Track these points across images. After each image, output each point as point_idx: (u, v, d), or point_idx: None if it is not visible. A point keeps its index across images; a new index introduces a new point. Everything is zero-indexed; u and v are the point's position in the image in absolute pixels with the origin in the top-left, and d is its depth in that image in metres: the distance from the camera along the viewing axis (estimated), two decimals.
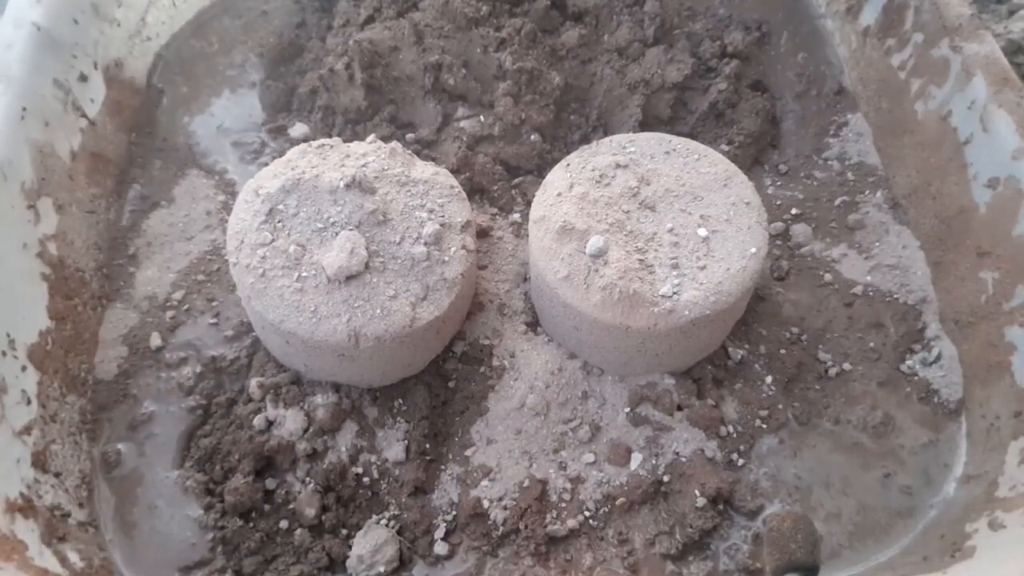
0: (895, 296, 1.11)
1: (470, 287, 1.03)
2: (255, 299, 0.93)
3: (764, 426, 1.00)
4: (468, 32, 1.28)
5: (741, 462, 0.97)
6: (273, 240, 0.95)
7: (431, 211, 0.99)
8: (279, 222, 0.97)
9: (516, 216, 1.20)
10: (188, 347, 1.08)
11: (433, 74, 1.26)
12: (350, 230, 0.94)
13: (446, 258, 0.96)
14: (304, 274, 0.93)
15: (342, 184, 0.95)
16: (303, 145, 1.07)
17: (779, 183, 1.24)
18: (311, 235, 0.95)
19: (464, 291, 0.98)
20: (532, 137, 1.25)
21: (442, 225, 0.98)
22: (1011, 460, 0.90)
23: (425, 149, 1.25)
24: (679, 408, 1.00)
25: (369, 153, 1.03)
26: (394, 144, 1.07)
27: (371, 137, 1.09)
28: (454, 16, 1.28)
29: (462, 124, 1.26)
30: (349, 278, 0.92)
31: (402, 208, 0.98)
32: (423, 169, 1.05)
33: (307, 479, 0.96)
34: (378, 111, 1.28)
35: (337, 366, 0.96)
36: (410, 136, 1.27)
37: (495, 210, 1.21)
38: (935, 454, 0.99)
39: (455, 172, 1.19)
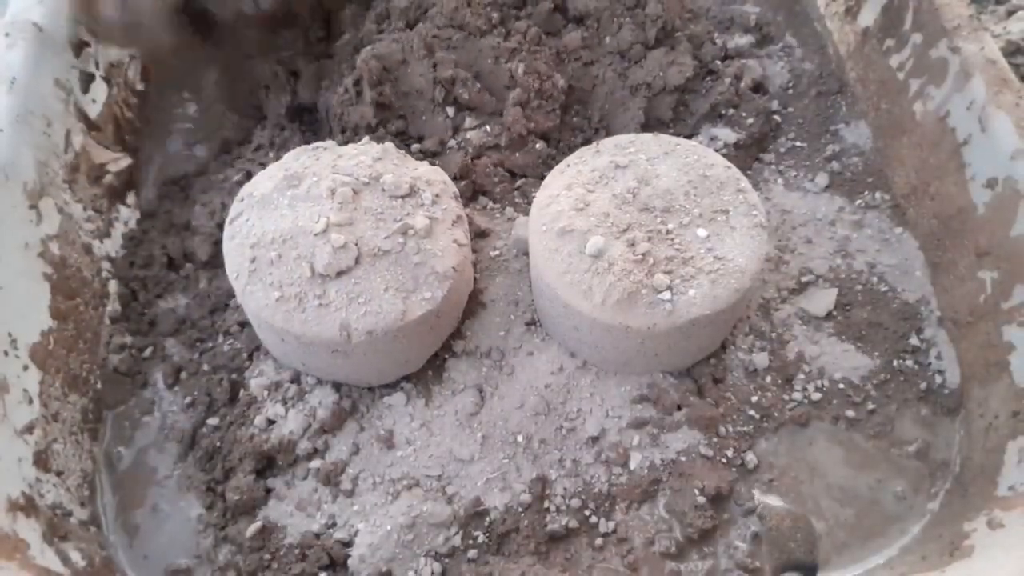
0: (894, 295, 1.11)
1: (464, 283, 1.03)
2: (248, 297, 0.94)
3: (764, 425, 1.01)
4: (478, 41, 1.27)
5: (740, 461, 0.98)
6: (264, 237, 0.95)
7: (422, 206, 1.00)
8: (272, 220, 0.97)
9: (517, 217, 1.20)
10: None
11: (445, 88, 1.25)
12: (341, 226, 0.95)
13: (438, 252, 0.96)
14: (295, 270, 0.93)
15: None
16: (298, 148, 1.08)
17: (778, 183, 1.24)
18: (303, 232, 0.95)
19: (457, 286, 0.98)
20: (538, 145, 1.24)
21: (432, 219, 0.99)
22: (1009, 459, 0.91)
23: (429, 159, 1.24)
24: (679, 408, 1.00)
25: (361, 153, 1.04)
26: (386, 144, 1.07)
27: (365, 139, 1.09)
28: (463, 25, 1.27)
29: (468, 135, 1.25)
30: (339, 273, 0.93)
31: (393, 204, 0.99)
32: (415, 167, 1.05)
33: (308, 478, 0.97)
34: (386, 125, 1.26)
35: (332, 363, 0.96)
36: (416, 147, 1.25)
37: (496, 211, 1.21)
38: (933, 453, 0.99)
39: (457, 179, 1.19)
